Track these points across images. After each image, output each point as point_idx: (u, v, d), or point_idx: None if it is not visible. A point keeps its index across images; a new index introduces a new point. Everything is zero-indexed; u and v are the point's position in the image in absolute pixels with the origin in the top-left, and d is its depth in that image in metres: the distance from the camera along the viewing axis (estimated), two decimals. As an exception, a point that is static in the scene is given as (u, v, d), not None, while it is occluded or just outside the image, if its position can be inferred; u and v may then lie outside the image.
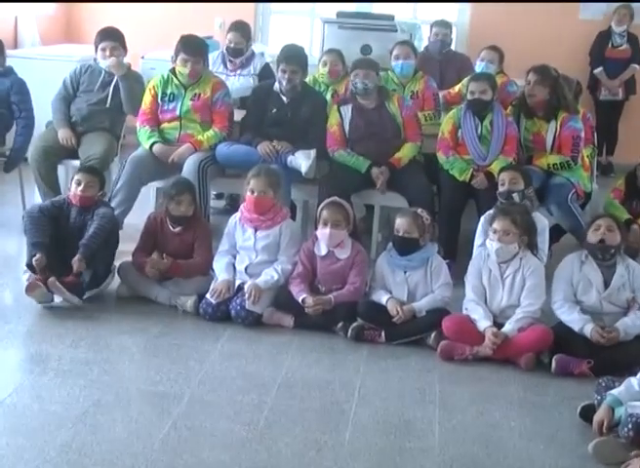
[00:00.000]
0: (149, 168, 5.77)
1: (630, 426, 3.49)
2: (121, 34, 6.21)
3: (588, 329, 4.38)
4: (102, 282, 4.97)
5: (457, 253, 5.48)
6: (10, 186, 6.54)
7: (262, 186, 4.90)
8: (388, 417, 3.85)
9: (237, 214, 5.06)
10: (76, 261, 4.74)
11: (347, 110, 5.84)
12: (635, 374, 3.77)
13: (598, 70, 8.71)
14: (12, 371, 4.18)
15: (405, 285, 4.75)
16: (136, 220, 5.53)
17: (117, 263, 5.07)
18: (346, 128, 5.84)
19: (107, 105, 6.13)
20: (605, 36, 8.69)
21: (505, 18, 8.71)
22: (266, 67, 6.77)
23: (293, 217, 5.45)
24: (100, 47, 6.12)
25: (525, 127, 5.82)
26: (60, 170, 6.15)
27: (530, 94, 5.76)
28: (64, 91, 6.21)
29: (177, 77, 5.86)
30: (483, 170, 5.63)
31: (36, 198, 6.06)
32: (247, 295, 4.72)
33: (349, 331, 4.64)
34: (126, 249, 5.10)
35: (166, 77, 5.90)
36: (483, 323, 4.49)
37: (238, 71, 6.74)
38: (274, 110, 5.88)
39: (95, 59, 6.21)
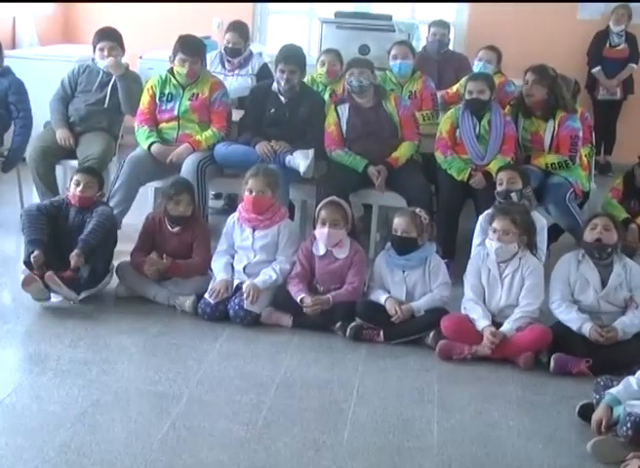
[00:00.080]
0: (147, 168, 5.77)
1: (629, 425, 3.49)
2: (119, 34, 6.21)
3: (587, 327, 4.38)
4: (101, 281, 4.97)
5: (455, 253, 5.48)
6: (8, 186, 6.54)
7: (261, 186, 4.91)
8: (387, 417, 3.86)
9: (235, 214, 5.06)
10: (74, 256, 4.74)
11: (344, 110, 5.84)
12: (634, 373, 3.78)
13: (596, 70, 8.71)
14: (11, 371, 4.18)
15: (403, 284, 4.75)
16: (134, 220, 5.53)
17: (115, 263, 5.07)
18: (344, 127, 5.84)
19: (105, 105, 6.13)
20: (603, 36, 8.70)
21: (503, 17, 8.71)
22: (264, 67, 6.76)
23: (291, 217, 5.45)
24: (97, 47, 6.12)
25: (523, 126, 5.82)
26: (59, 170, 6.15)
27: (528, 93, 5.76)
28: (62, 91, 6.20)
29: (175, 77, 5.86)
30: (481, 169, 5.63)
31: (34, 198, 6.06)
32: (245, 295, 4.72)
33: (348, 330, 4.64)
34: (124, 249, 5.10)
35: (164, 77, 5.90)
36: (481, 322, 4.50)
37: (236, 71, 6.74)
38: (272, 110, 5.88)
39: (93, 60, 6.21)
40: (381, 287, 4.79)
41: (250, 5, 9.09)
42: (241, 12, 8.38)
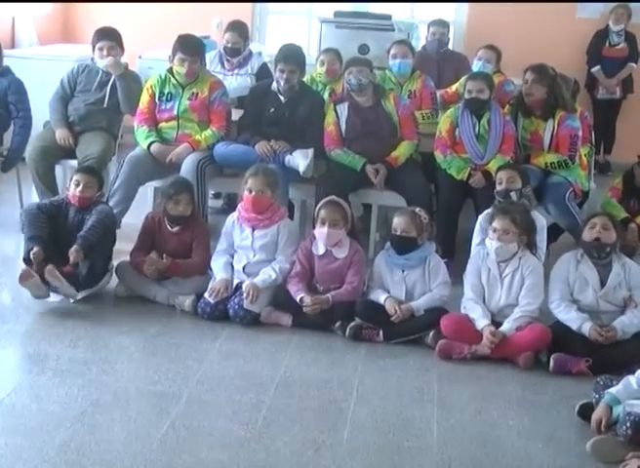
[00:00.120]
0: (147, 167, 5.77)
1: (628, 424, 3.49)
2: (118, 34, 6.21)
3: (587, 327, 4.38)
4: (100, 281, 4.97)
5: (454, 252, 5.48)
6: (7, 186, 6.53)
7: (260, 186, 4.91)
8: (387, 416, 3.86)
9: (235, 214, 5.06)
10: (73, 252, 4.73)
11: (344, 109, 5.84)
12: (633, 373, 3.78)
13: (596, 69, 8.71)
14: (10, 371, 4.17)
15: (403, 284, 4.75)
16: (134, 220, 5.53)
17: (115, 263, 5.07)
18: (343, 127, 5.84)
19: (105, 105, 6.13)
20: (602, 35, 8.70)
21: (503, 17, 8.70)
22: (264, 67, 6.76)
23: (290, 217, 5.44)
24: (97, 46, 6.12)
25: (522, 126, 5.82)
26: (58, 169, 6.15)
27: (527, 92, 5.76)
28: (62, 90, 6.20)
29: (174, 77, 5.86)
30: (480, 169, 5.63)
31: (34, 198, 6.05)
32: (245, 295, 4.72)
33: (347, 330, 4.64)
34: (124, 248, 5.10)
35: (163, 77, 5.90)
36: (481, 322, 4.50)
37: (236, 71, 6.74)
38: (272, 110, 5.88)
39: (92, 59, 6.21)
40: (381, 286, 4.79)
41: (249, 4, 9.08)
42: (240, 11, 8.38)
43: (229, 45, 6.70)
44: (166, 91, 5.87)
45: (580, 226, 4.83)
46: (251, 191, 4.92)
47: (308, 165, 5.62)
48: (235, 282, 4.87)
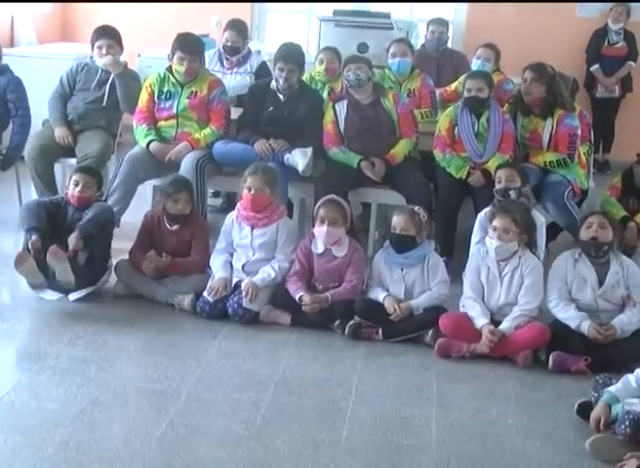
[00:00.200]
0: (146, 166, 5.76)
1: (627, 423, 3.49)
2: (117, 32, 6.21)
3: (585, 325, 4.38)
4: (99, 279, 4.97)
5: (454, 251, 5.48)
6: (6, 185, 6.53)
7: (259, 184, 4.91)
8: (385, 415, 3.86)
9: (234, 213, 5.06)
10: (73, 238, 4.74)
11: (343, 106, 5.84)
12: (632, 371, 3.77)
13: (595, 68, 8.71)
14: (9, 370, 4.17)
15: (402, 282, 4.75)
16: (133, 219, 5.53)
17: (114, 261, 5.07)
18: (341, 125, 5.84)
19: (104, 104, 6.13)
20: (601, 34, 8.70)
21: (502, 15, 8.70)
22: (263, 65, 6.76)
23: (289, 215, 5.44)
24: (96, 45, 6.12)
25: (521, 124, 5.82)
26: (57, 168, 6.15)
27: (526, 91, 5.76)
28: (61, 89, 6.20)
29: (173, 75, 5.86)
30: (480, 167, 5.63)
31: (33, 196, 6.04)
32: (244, 293, 4.72)
33: (346, 328, 4.64)
34: (123, 247, 5.10)
35: (162, 75, 5.90)
36: (480, 320, 4.50)
37: (235, 69, 6.74)
38: (271, 108, 5.88)
39: (91, 58, 6.21)
40: (380, 285, 4.79)
41: (248, 3, 9.07)
42: (239, 10, 8.38)
43: (228, 43, 6.70)
44: (165, 89, 5.87)
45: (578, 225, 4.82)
46: (250, 190, 4.92)
47: (307, 163, 5.62)
48: (234, 280, 4.87)
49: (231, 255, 5.00)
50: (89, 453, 3.38)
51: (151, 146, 5.77)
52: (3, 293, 5.12)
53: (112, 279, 5.07)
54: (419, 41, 7.89)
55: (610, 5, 8.62)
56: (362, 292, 4.84)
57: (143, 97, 5.90)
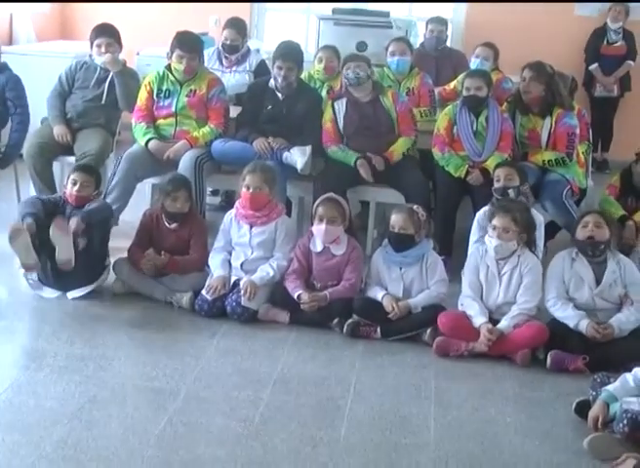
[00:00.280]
0: (145, 164, 5.76)
1: (625, 422, 3.50)
2: (116, 30, 6.20)
3: (584, 324, 4.39)
4: (98, 278, 4.97)
5: (452, 250, 5.48)
6: (5, 182, 6.52)
7: (258, 182, 4.90)
8: (384, 413, 3.86)
9: (233, 211, 5.06)
10: (73, 221, 4.75)
11: (342, 105, 5.84)
12: (630, 370, 3.77)
13: (593, 67, 8.72)
14: (8, 368, 4.16)
15: (400, 281, 4.75)
16: (131, 217, 5.52)
17: (113, 260, 5.07)
18: (340, 123, 5.84)
19: (103, 102, 6.12)
20: (600, 33, 8.70)
21: (501, 14, 8.71)
22: (262, 64, 6.76)
23: (288, 214, 5.45)
24: (95, 43, 6.11)
25: (520, 123, 5.82)
26: (56, 166, 6.14)
27: (525, 90, 5.76)
28: (60, 87, 6.20)
29: (172, 73, 5.86)
30: (478, 166, 5.63)
31: (31, 194, 6.03)
32: (242, 292, 4.72)
33: (345, 327, 4.64)
34: (122, 245, 5.10)
35: (161, 73, 5.90)
36: (479, 319, 4.50)
37: (234, 68, 6.74)
38: (270, 107, 5.88)
39: (90, 56, 6.20)
40: (379, 283, 4.79)
41: (247, 2, 9.08)
42: (238, 8, 8.39)
43: (227, 42, 6.70)
44: (164, 87, 5.87)
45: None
46: (249, 188, 4.92)
47: (306, 162, 5.62)
48: (233, 279, 4.87)
49: (230, 254, 5.00)
50: (87, 451, 3.38)
51: (150, 144, 5.77)
52: (1, 291, 5.12)
53: (111, 277, 5.07)
54: (417, 40, 7.90)
55: (608, 5, 8.62)
56: (360, 290, 4.84)
57: (142, 95, 5.90)
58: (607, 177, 6.96)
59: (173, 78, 5.85)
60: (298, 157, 5.63)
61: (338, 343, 4.58)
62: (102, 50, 6.08)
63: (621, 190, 5.77)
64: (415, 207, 4.80)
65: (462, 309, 4.62)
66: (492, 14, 8.71)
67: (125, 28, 6.46)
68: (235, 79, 6.66)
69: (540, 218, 5.02)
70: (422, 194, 5.55)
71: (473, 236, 5.04)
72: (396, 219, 4.72)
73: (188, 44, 5.81)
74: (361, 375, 4.22)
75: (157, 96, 5.88)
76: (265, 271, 4.84)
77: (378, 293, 4.72)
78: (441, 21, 7.62)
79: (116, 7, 8.93)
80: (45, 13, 9.05)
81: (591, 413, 3.69)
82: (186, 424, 3.63)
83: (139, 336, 4.51)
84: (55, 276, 4.86)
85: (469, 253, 4.87)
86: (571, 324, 4.43)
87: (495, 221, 4.59)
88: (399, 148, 5.80)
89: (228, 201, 6.57)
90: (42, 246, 4.80)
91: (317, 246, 4.86)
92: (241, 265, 4.93)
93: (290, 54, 5.86)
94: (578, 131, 5.76)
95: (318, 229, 4.80)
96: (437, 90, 6.69)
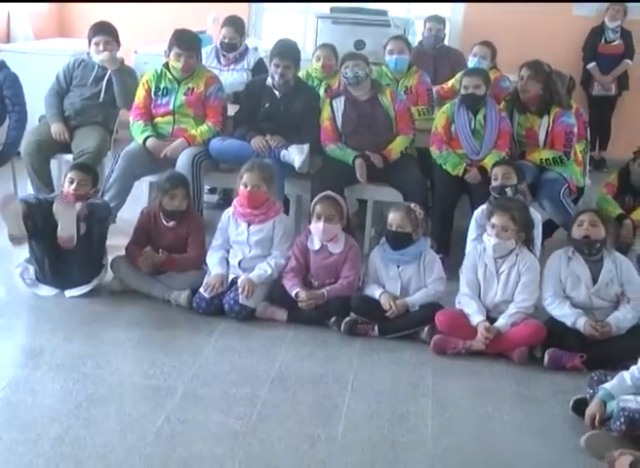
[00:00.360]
0: (142, 162, 5.76)
1: (622, 420, 3.50)
2: (114, 28, 6.20)
3: (581, 322, 4.39)
4: (96, 276, 4.97)
5: (450, 248, 5.49)
6: (2, 180, 6.50)
7: (256, 180, 4.91)
8: (381, 411, 3.86)
9: (230, 209, 5.06)
10: (78, 204, 4.79)
11: (340, 103, 5.84)
12: (627, 368, 3.79)
13: (591, 66, 8.73)
14: (5, 365, 4.16)
15: (398, 279, 4.76)
16: (129, 215, 5.52)
17: (110, 258, 5.07)
18: (339, 121, 5.84)
19: (100, 100, 6.12)
20: (598, 32, 8.71)
21: (499, 13, 8.71)
22: (260, 62, 6.75)
23: (286, 212, 5.44)
24: (93, 41, 6.11)
25: (518, 122, 5.83)
26: (53, 164, 6.15)
27: (523, 89, 5.77)
28: (58, 85, 6.20)
29: (170, 71, 5.86)
30: (476, 164, 5.63)
31: (29, 192, 6.03)
32: (240, 290, 4.72)
33: (342, 325, 4.64)
34: (119, 243, 5.11)
35: (159, 71, 5.89)
36: (476, 317, 4.50)
37: (232, 66, 6.74)
38: (267, 105, 5.88)
39: (88, 54, 6.20)
40: (376, 282, 4.79)
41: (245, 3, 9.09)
42: (237, 6, 8.39)
43: (226, 40, 6.70)
44: (162, 86, 5.87)
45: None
46: (246, 186, 4.92)
47: (304, 160, 5.62)
48: (230, 277, 4.87)
49: (228, 252, 5.00)
50: (84, 449, 3.38)
51: (148, 143, 5.77)
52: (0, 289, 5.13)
53: (108, 275, 5.06)
54: (416, 38, 7.89)
55: (606, 5, 8.63)
56: (358, 288, 4.84)
57: (140, 93, 5.90)
58: (605, 176, 6.98)
59: (170, 76, 5.85)
60: (295, 155, 5.63)
61: (335, 341, 4.58)
62: (100, 48, 6.08)
63: (619, 189, 5.79)
64: (412, 205, 4.81)
65: (460, 307, 4.62)
66: (490, 13, 8.71)
67: (123, 26, 6.46)
68: (233, 77, 6.65)
69: (537, 217, 5.02)
70: (420, 192, 5.55)
71: (471, 234, 5.05)
72: (394, 218, 4.73)
73: (186, 42, 5.81)
74: (359, 373, 4.22)
75: (155, 94, 5.87)
76: (263, 269, 4.84)
77: (375, 292, 4.73)
78: (439, 20, 7.61)
79: (114, 5, 8.92)
80: (42, 12, 9.05)
81: (588, 411, 3.70)
82: (184, 422, 3.63)
83: (136, 334, 4.51)
84: (52, 273, 4.86)
85: (467, 251, 4.88)
86: (568, 322, 4.43)
87: (493, 220, 4.59)
88: (397, 147, 5.80)
89: (226, 199, 6.57)
90: (40, 243, 4.80)
91: (315, 244, 4.86)
92: (239, 263, 4.93)
93: (287, 52, 5.86)
94: (575, 129, 5.77)
95: (316, 227, 4.80)
96: (435, 88, 6.68)
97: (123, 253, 5.04)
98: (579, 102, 6.89)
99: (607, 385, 3.72)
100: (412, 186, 5.60)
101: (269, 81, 5.88)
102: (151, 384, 3.97)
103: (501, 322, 4.47)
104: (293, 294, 4.73)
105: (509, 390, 4.15)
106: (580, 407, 3.81)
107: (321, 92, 6.26)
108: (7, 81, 6.15)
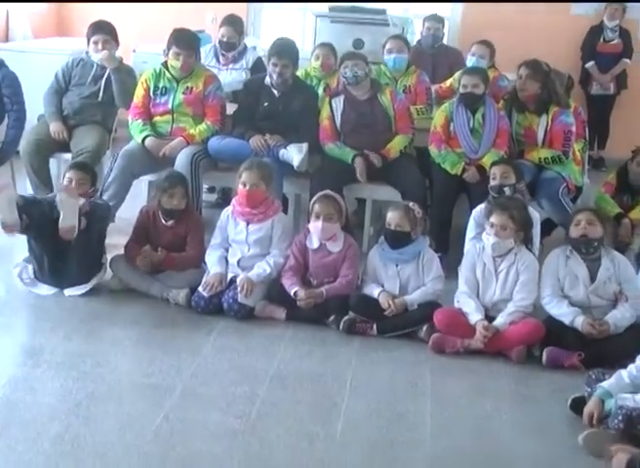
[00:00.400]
0: (141, 161, 5.76)
1: (620, 418, 3.51)
2: (113, 27, 6.20)
3: (579, 321, 4.40)
4: (95, 275, 4.97)
5: (448, 247, 5.49)
6: (1, 179, 6.52)
7: (255, 179, 4.91)
8: (380, 410, 3.87)
9: (229, 208, 5.06)
10: (81, 199, 4.81)
11: (339, 102, 5.85)
12: (625, 367, 3.80)
13: (590, 64, 8.73)
14: (5, 364, 4.17)
15: (397, 278, 4.76)
16: (128, 214, 5.53)
17: (109, 257, 5.07)
18: (338, 120, 5.84)
19: (99, 99, 6.12)
20: (597, 31, 8.71)
21: (497, 12, 8.70)
22: (259, 61, 6.75)
23: (285, 211, 5.45)
24: (92, 40, 6.11)
25: (516, 121, 5.83)
26: (52, 163, 6.15)
27: (521, 88, 5.77)
28: (56, 84, 6.20)
29: (169, 71, 5.86)
30: (475, 163, 5.64)
31: (28, 191, 6.04)
32: (239, 288, 4.72)
33: (341, 323, 4.65)
34: (118, 242, 5.11)
35: (158, 71, 5.89)
36: (474, 316, 4.51)
37: (230, 65, 6.74)
38: (266, 104, 5.88)
39: (87, 53, 6.20)
40: (375, 280, 4.80)
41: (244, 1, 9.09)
42: (235, 5, 8.39)
43: (224, 39, 6.70)
44: (160, 85, 5.87)
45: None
46: (245, 185, 4.92)
47: (303, 159, 5.62)
48: (229, 276, 4.88)
49: (226, 251, 5.01)
50: (84, 447, 3.38)
51: (146, 142, 5.77)
52: (-1, 288, 5.13)
53: (107, 274, 5.07)
54: (414, 37, 7.89)
55: (604, 5, 8.63)
56: (357, 287, 4.85)
57: (139, 92, 5.90)
58: (603, 175, 6.99)
59: (169, 75, 5.86)
60: (294, 154, 5.63)
61: (334, 340, 4.59)
62: (99, 47, 6.08)
63: (617, 188, 5.79)
64: (411, 204, 4.81)
65: (459, 306, 4.62)
66: (488, 12, 8.70)
67: (122, 25, 6.47)
68: (232, 76, 6.65)
69: (536, 216, 5.03)
70: (419, 191, 5.55)
71: (469, 233, 5.05)
72: (392, 217, 4.73)
73: (185, 41, 5.81)
74: (357, 372, 4.23)
75: (154, 93, 5.87)
76: (262, 268, 4.84)
77: (374, 290, 4.73)
78: (438, 19, 7.63)
79: (113, 4, 8.91)
80: (41, 12, 9.05)
81: (586, 410, 3.71)
82: (183, 420, 3.64)
83: (135, 333, 4.51)
84: (52, 271, 4.87)
85: (466, 250, 4.88)
86: (566, 321, 4.44)
87: (492, 219, 4.60)
88: (396, 146, 5.80)
89: (225, 198, 6.57)
90: (39, 241, 4.81)
91: (314, 243, 4.86)
92: (238, 262, 4.94)
93: (285, 51, 5.86)
94: (574, 129, 5.78)
95: (315, 226, 4.80)
96: (434, 87, 6.69)
97: (122, 251, 5.05)
98: (577, 101, 6.90)
99: (605, 384, 3.73)
100: (410, 185, 5.61)
101: (268, 80, 5.88)
102: (150, 383, 3.98)
103: (500, 320, 4.48)
104: (292, 293, 4.73)
105: (508, 389, 4.16)
106: (578, 405, 3.82)
107: (320, 91, 6.27)
108: (6, 80, 6.15)
